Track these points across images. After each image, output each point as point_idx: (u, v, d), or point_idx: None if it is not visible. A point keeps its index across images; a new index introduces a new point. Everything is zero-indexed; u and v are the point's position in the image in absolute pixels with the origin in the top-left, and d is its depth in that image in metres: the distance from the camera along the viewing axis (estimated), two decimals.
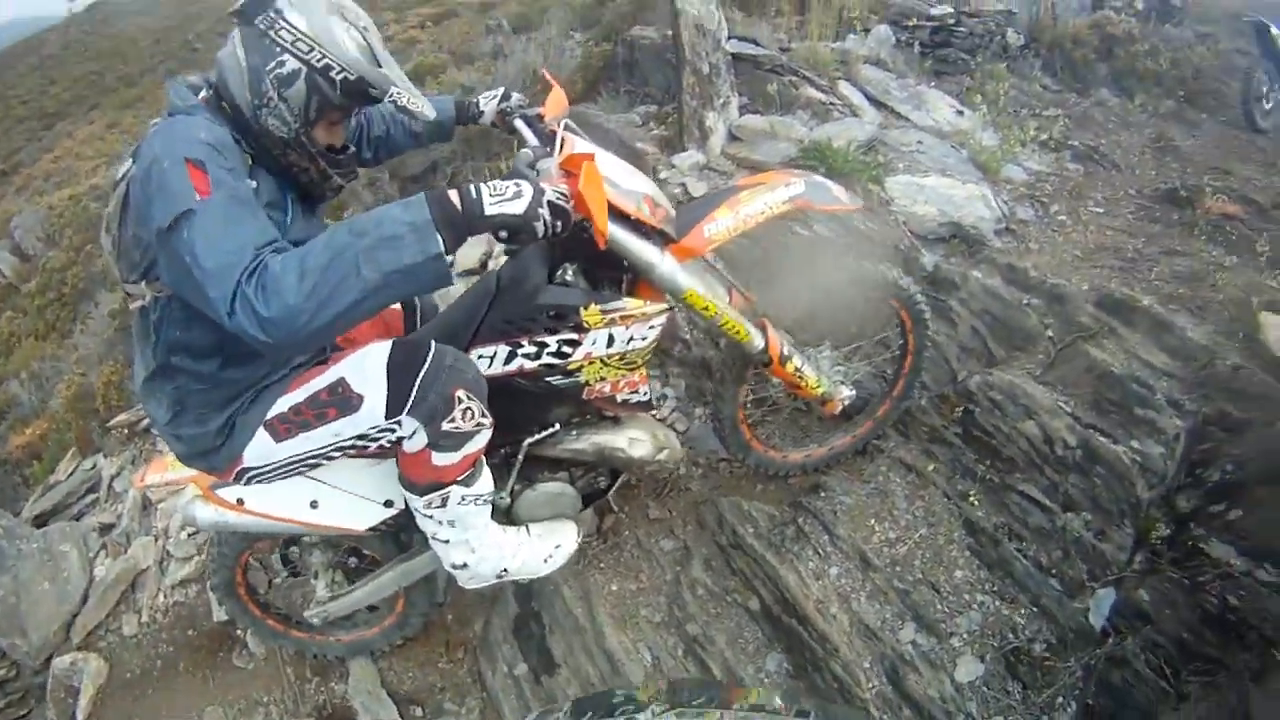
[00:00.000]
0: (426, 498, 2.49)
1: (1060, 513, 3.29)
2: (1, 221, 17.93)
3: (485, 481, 2.58)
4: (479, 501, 2.56)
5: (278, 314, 1.73)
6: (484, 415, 2.37)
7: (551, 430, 2.78)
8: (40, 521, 4.92)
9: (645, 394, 2.78)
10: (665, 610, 3.40)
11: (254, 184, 2.12)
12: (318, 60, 2.13)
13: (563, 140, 2.45)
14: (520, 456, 2.79)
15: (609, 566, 3.62)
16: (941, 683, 2.96)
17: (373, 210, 1.91)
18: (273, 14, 2.12)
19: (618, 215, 2.35)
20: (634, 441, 2.87)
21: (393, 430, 2.34)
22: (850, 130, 5.27)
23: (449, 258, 1.85)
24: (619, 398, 2.72)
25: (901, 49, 7.36)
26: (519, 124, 2.91)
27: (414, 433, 2.33)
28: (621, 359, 2.59)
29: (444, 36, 15.19)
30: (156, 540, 4.34)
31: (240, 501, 2.72)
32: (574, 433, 2.83)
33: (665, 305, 2.58)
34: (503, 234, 1.95)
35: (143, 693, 3.88)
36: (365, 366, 2.31)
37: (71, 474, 5.55)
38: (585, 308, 2.44)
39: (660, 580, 3.53)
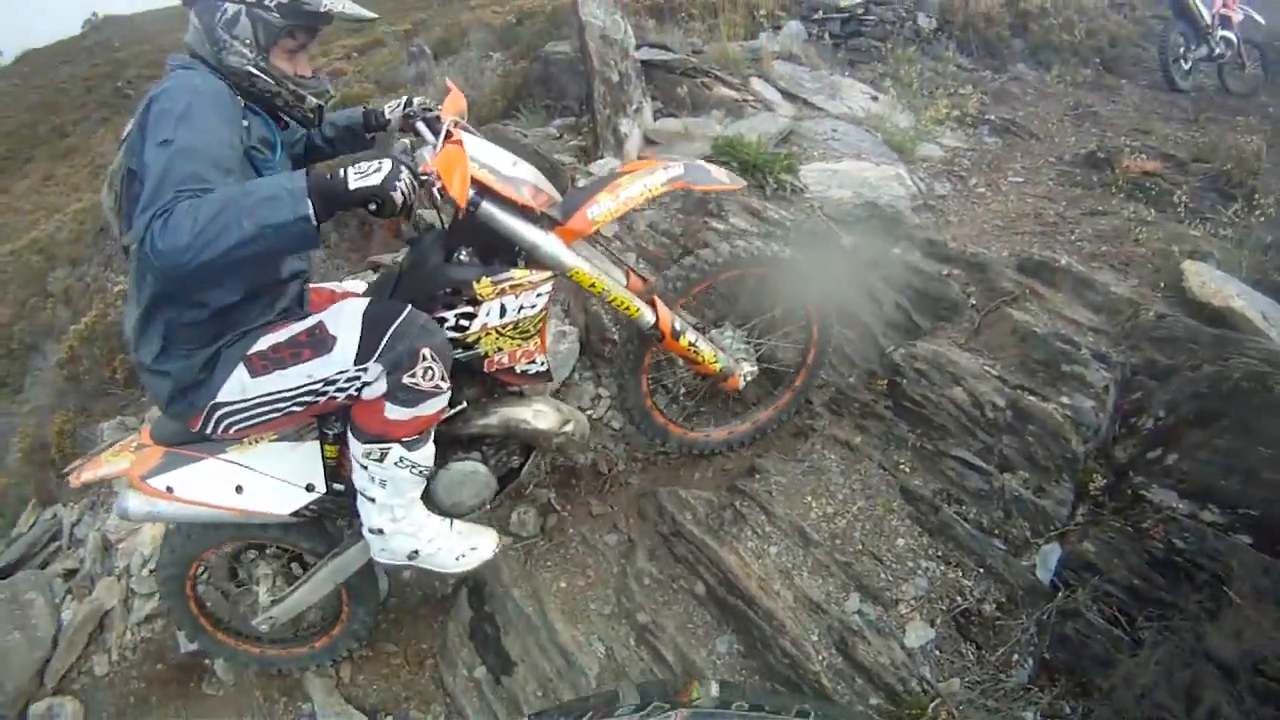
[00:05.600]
0: (368, 446, 2.68)
1: (997, 474, 3.43)
2: None
3: (427, 454, 2.77)
4: (415, 470, 2.74)
5: (169, 248, 2.08)
6: (444, 380, 2.60)
7: (460, 408, 2.97)
8: (6, 574, 4.94)
9: (543, 364, 2.97)
10: (614, 602, 3.51)
11: (246, 124, 2.57)
12: None
13: (448, 132, 2.73)
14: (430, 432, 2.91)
15: (556, 564, 3.73)
16: (892, 650, 3.06)
17: (263, 178, 2.39)
18: None
19: (502, 201, 2.69)
20: (539, 414, 3.06)
21: (358, 378, 2.56)
22: (763, 124, 5.46)
23: (315, 223, 2.18)
24: (518, 368, 2.92)
25: (814, 42, 7.63)
26: (420, 125, 3.13)
27: (376, 379, 2.55)
28: (515, 328, 2.81)
29: (369, 66, 15.33)
30: (119, 580, 4.38)
31: (170, 490, 2.82)
32: (481, 410, 3.03)
33: (550, 274, 2.81)
34: (371, 206, 2.26)
35: None
36: (343, 314, 2.59)
37: (33, 525, 5.55)
38: (477, 280, 2.69)
39: (607, 574, 3.64)
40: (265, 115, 2.73)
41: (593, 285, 2.96)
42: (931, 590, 3.24)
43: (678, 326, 3.21)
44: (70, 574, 4.71)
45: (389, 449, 2.67)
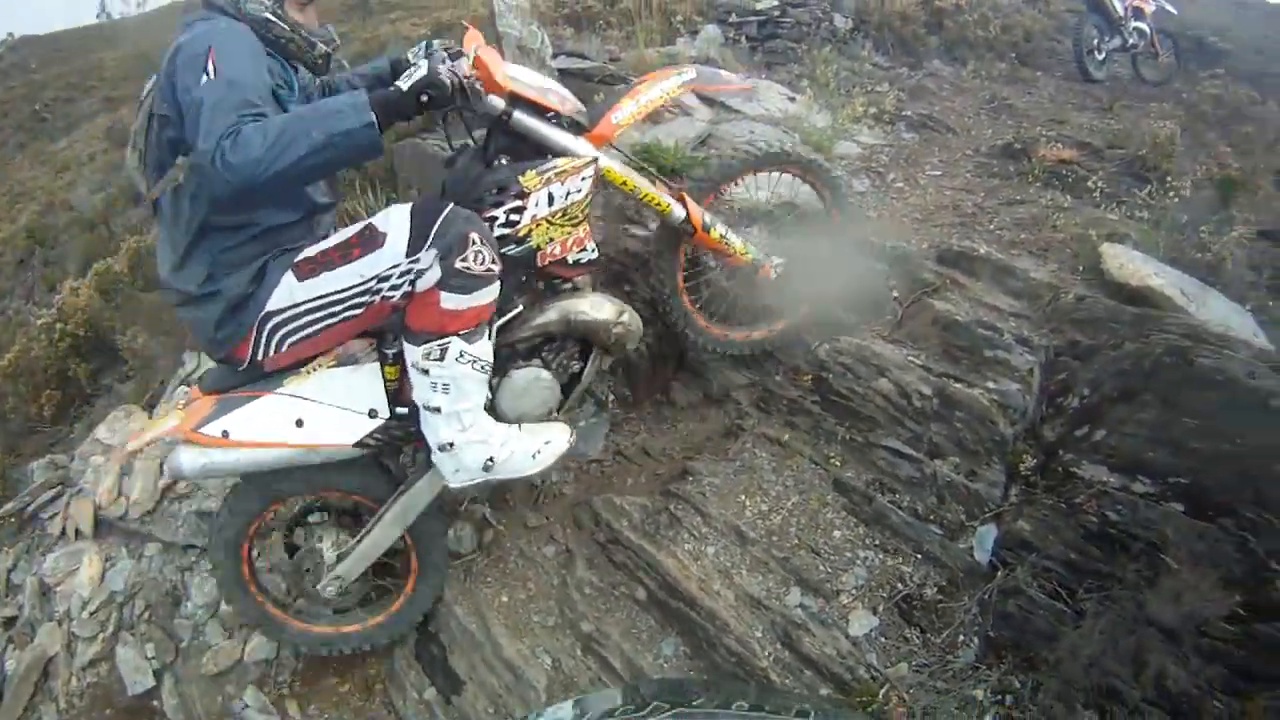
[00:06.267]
0: (427, 346, 2.72)
1: (928, 461, 3.48)
2: None
3: (486, 349, 2.83)
4: (476, 365, 2.79)
5: (242, 161, 2.29)
6: (494, 263, 2.69)
7: (516, 311, 3.08)
8: None
9: (593, 250, 3.09)
10: (557, 613, 3.47)
11: (268, 65, 2.72)
12: None
13: (476, 48, 2.92)
14: (492, 336, 2.97)
15: (496, 579, 3.68)
16: (836, 640, 3.08)
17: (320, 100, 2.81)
18: None
19: (533, 108, 2.93)
20: (595, 305, 3.19)
21: (410, 270, 2.63)
22: (681, 129, 5.45)
23: (379, 130, 2.43)
24: (570, 258, 3.03)
25: (730, 46, 7.69)
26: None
27: (430, 266, 2.62)
28: (564, 215, 2.92)
29: None
30: (60, 624, 4.22)
31: (226, 434, 2.79)
32: (538, 309, 3.13)
33: (591, 159, 2.96)
34: (425, 98, 2.51)
35: None
36: (390, 214, 2.68)
37: None
38: (523, 174, 2.83)
39: (548, 585, 3.60)
40: (281, 59, 2.89)
41: (624, 183, 3.20)
42: (871, 579, 3.26)
43: (708, 220, 3.45)
44: (10, 621, 4.54)
45: (448, 344, 2.71)
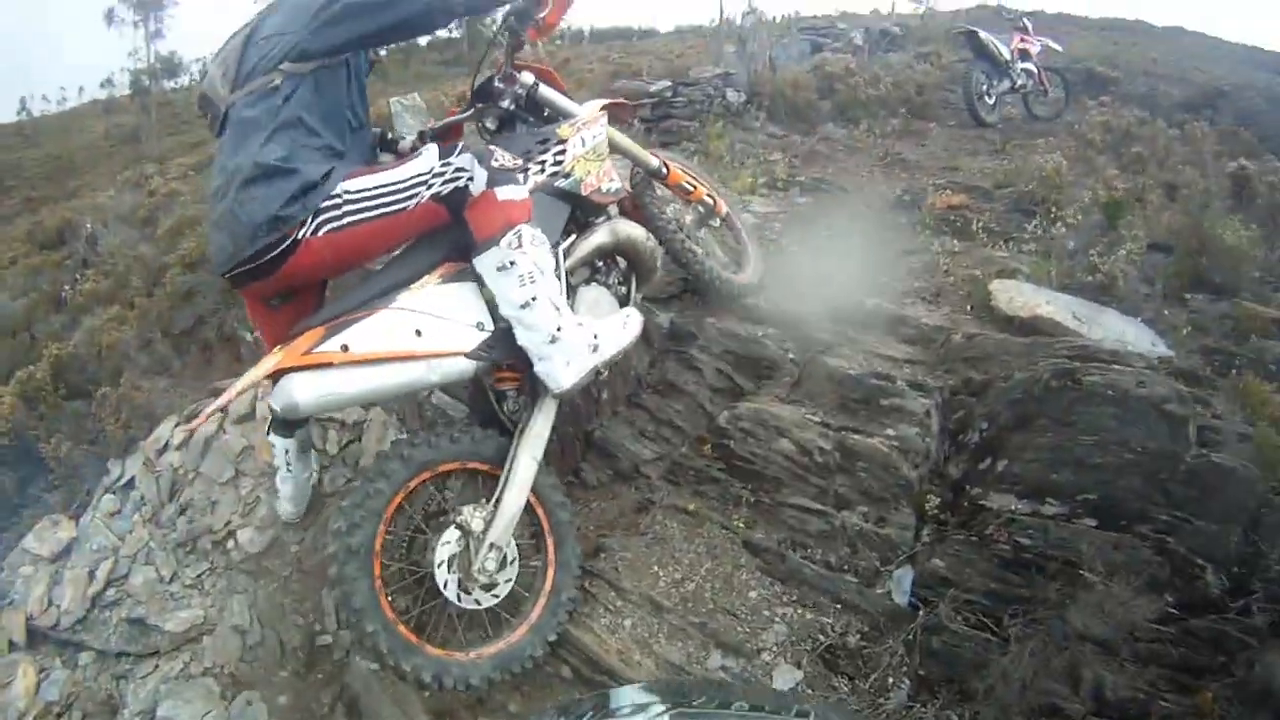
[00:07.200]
0: (506, 239, 3.00)
1: (835, 513, 3.55)
2: None
3: (542, 235, 3.19)
4: (546, 247, 3.18)
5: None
6: (515, 160, 3.19)
7: (572, 239, 3.64)
8: None
9: (617, 180, 3.79)
10: (488, 698, 3.36)
11: None
12: None
13: None
14: (561, 264, 3.45)
15: None
16: None
17: None
18: None
19: (551, 83, 3.75)
20: (631, 225, 3.84)
21: (444, 171, 2.99)
22: None
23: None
24: (603, 187, 3.69)
25: (625, 129, 7.87)
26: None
27: (472, 167, 3.00)
28: (594, 152, 3.66)
29: (207, 185, 15.13)
30: None
31: (345, 348, 2.80)
32: (590, 232, 3.69)
33: (600, 108, 3.82)
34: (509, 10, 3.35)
35: None
36: (423, 151, 3.10)
37: None
38: (559, 128, 3.55)
39: None
40: None
41: (615, 141, 3.91)
42: (792, 634, 3.29)
43: (678, 169, 4.36)
44: None
45: (520, 230, 3.02)
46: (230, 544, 4.21)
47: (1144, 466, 3.19)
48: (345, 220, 2.85)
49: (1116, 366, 3.53)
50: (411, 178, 2.96)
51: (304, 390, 2.76)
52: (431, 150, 3.05)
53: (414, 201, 2.95)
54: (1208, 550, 3.03)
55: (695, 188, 4.46)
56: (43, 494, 5.82)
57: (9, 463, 6.24)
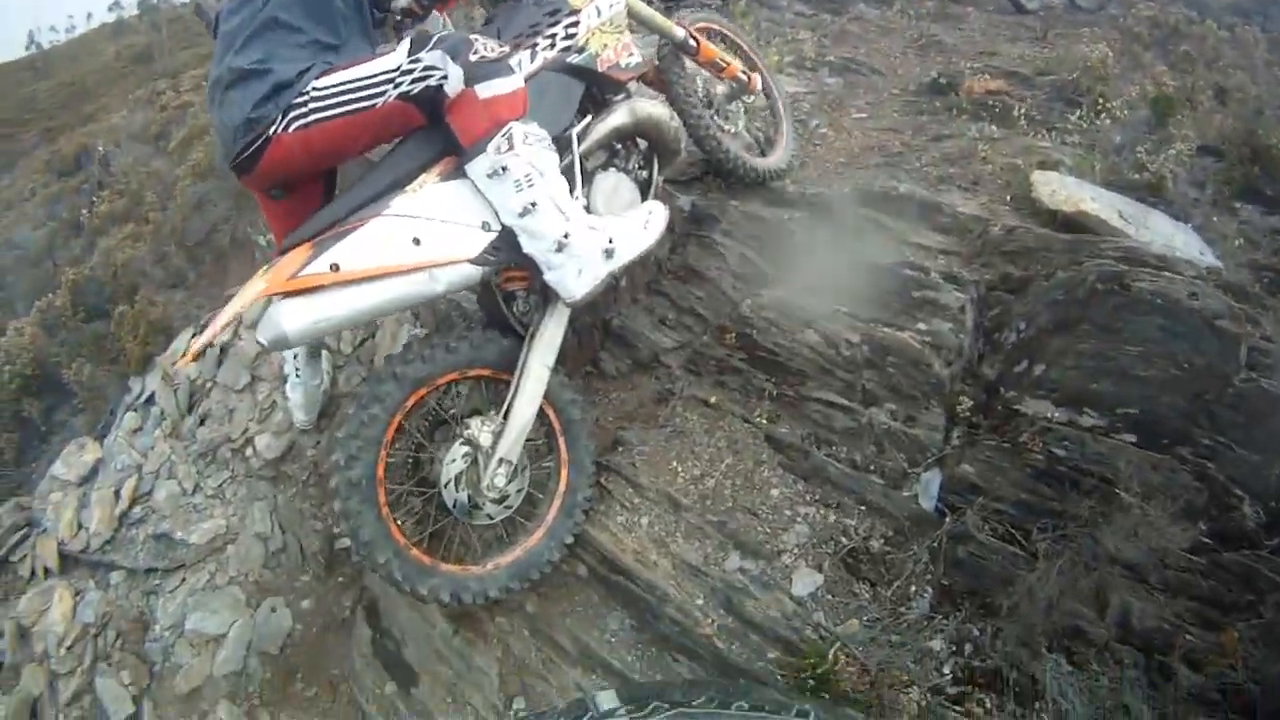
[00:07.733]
0: (495, 143, 2.79)
1: (863, 410, 3.39)
2: None
3: (539, 129, 2.92)
4: (544, 144, 2.89)
5: None
6: (503, 48, 2.90)
7: (588, 120, 3.32)
8: None
9: (637, 54, 3.53)
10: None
11: None
12: None
13: None
14: (575, 149, 3.21)
15: None
16: (781, 602, 3.00)
17: None
18: None
19: None
20: (653, 103, 3.53)
21: (413, 69, 2.75)
22: None
23: None
24: (622, 62, 3.45)
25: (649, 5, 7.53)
26: None
27: (445, 65, 2.74)
28: (611, 23, 3.41)
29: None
30: (41, 664, 4.26)
31: (336, 267, 2.60)
32: (607, 111, 3.40)
33: None
34: None
35: None
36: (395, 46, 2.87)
37: None
38: None
39: None
40: None
41: (636, 11, 3.61)
42: (813, 536, 3.20)
43: (707, 43, 4.03)
44: None
45: (510, 129, 2.79)
46: (249, 451, 4.30)
47: (1189, 384, 3.01)
48: (312, 117, 2.75)
49: (1166, 274, 3.32)
50: (378, 73, 2.77)
51: (292, 319, 2.58)
52: (403, 46, 2.81)
53: (381, 100, 2.77)
54: (1248, 481, 2.87)
55: (728, 64, 4.13)
56: (69, 419, 6.05)
57: (35, 392, 6.41)
